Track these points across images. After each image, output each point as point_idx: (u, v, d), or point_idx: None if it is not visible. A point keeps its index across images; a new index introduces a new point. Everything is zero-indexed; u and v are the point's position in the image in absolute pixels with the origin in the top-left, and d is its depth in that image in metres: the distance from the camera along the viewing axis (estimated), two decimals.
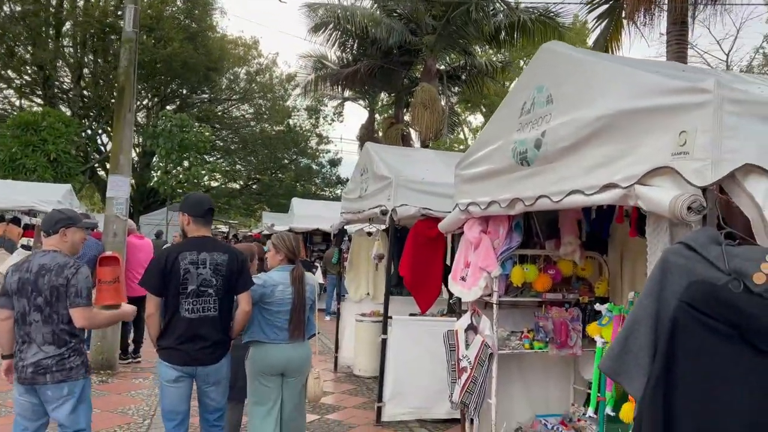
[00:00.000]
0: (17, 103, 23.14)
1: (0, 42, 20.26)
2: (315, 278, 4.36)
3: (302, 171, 30.33)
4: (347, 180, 32.15)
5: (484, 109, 29.29)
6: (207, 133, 18.83)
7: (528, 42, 19.77)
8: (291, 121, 29.66)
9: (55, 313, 3.24)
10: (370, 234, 8.03)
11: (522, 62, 27.58)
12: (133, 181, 28.49)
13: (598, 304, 3.50)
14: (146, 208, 25.20)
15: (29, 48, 20.05)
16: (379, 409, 5.54)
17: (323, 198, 27.09)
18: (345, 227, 7.97)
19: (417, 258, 5.56)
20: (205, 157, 22.69)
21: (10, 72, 21.84)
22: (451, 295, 5.55)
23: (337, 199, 29.57)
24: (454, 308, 4.45)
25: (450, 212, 4.40)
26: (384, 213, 5.65)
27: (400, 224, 7.23)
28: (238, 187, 31.23)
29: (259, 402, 3.76)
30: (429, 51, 18.17)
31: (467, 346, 3.89)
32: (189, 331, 3.47)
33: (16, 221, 12.38)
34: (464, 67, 20.16)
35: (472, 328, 3.90)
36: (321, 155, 31.77)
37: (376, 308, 7.69)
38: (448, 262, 4.39)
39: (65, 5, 20.17)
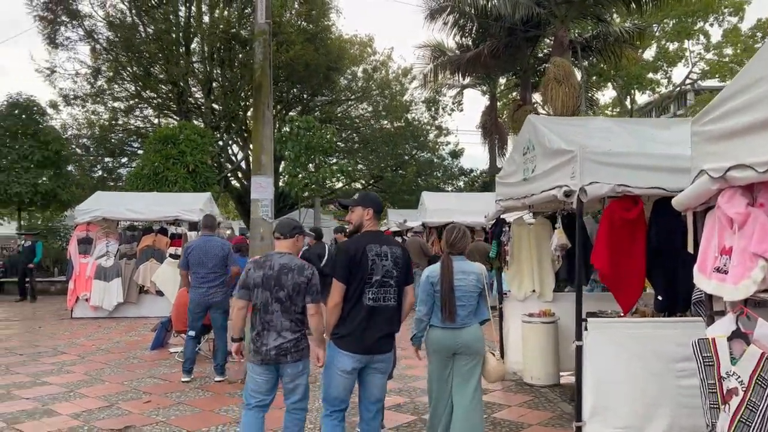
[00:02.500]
0: (156, 120, 24.56)
1: (138, 63, 21.48)
2: (480, 267, 4.30)
3: (423, 165, 29.70)
4: (470, 171, 31.49)
5: (615, 83, 26.96)
6: (329, 135, 18.68)
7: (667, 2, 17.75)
8: (409, 116, 29.15)
9: (294, 305, 3.84)
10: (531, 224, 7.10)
11: (656, 27, 25.07)
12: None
13: None
14: (278, 212, 25.76)
15: (163, 66, 21.05)
16: (579, 429, 4.62)
17: (443, 192, 26.23)
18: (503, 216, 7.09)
19: (614, 245, 4.59)
20: (329, 158, 22.73)
21: (148, 92, 23.19)
22: (666, 289, 4.53)
23: (460, 190, 28.80)
24: (699, 309, 3.43)
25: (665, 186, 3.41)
26: (568, 194, 4.72)
27: (570, 208, 6.29)
28: (360, 186, 31.25)
29: (435, 378, 4.16)
30: (560, 22, 16.75)
31: (733, 359, 2.90)
32: (370, 319, 3.67)
33: (163, 231, 12.77)
34: (597, 36, 18.42)
35: (739, 336, 2.90)
36: (441, 148, 30.99)
37: (544, 307, 6.78)
38: (690, 250, 3.36)
39: (193, 22, 20.96)
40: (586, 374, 4.62)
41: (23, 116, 18.53)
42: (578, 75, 17.67)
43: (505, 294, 7.14)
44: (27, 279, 14.95)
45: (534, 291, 6.93)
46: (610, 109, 31.40)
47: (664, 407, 4.48)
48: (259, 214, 6.76)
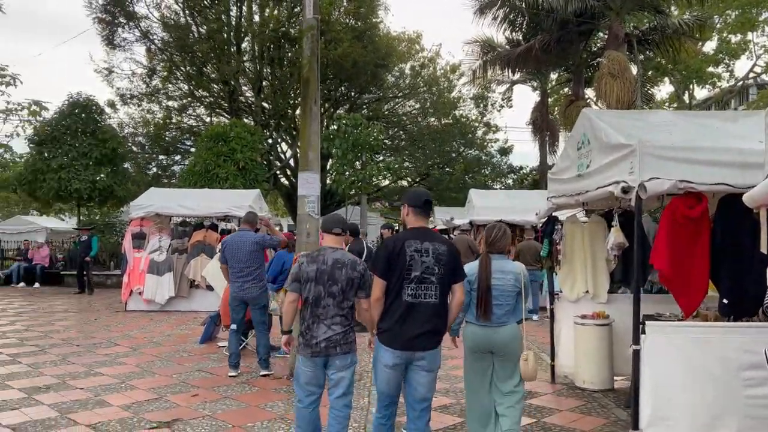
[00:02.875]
0: (208, 119, 25.07)
1: (191, 63, 21.95)
2: (520, 267, 4.26)
3: (471, 163, 29.34)
4: (520, 168, 30.92)
5: (673, 77, 25.93)
6: (376, 133, 18.64)
7: None
8: (457, 113, 28.84)
9: (346, 300, 3.92)
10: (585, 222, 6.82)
11: (717, 19, 23.94)
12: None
13: None
14: (324, 209, 25.91)
15: (215, 66, 21.44)
16: None
17: (492, 189, 25.81)
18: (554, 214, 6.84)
19: (676, 245, 4.33)
20: (376, 156, 22.72)
21: (200, 91, 23.68)
22: (732, 292, 4.25)
23: (509, 188, 28.29)
24: None
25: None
26: (626, 191, 4.48)
27: (627, 206, 6.02)
28: (406, 184, 31.13)
29: (470, 374, 4.18)
30: (615, 14, 16.20)
31: None
32: (409, 315, 3.67)
33: (214, 227, 13.00)
34: (655, 29, 17.72)
35: None
36: (489, 145, 30.54)
37: (598, 308, 6.50)
38: (763, 249, 3.12)
39: (243, 21, 21.28)
40: (644, 380, 4.37)
41: (83, 115, 19.20)
42: (634, 69, 17.04)
43: (556, 295, 6.89)
44: (84, 272, 15.46)
45: (587, 292, 6.65)
46: (667, 104, 30.24)
47: (730, 418, 4.20)
48: (306, 210, 6.73)
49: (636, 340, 4.43)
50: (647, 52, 19.66)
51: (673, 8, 20.48)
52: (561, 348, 6.80)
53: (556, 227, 6.56)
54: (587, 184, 5.38)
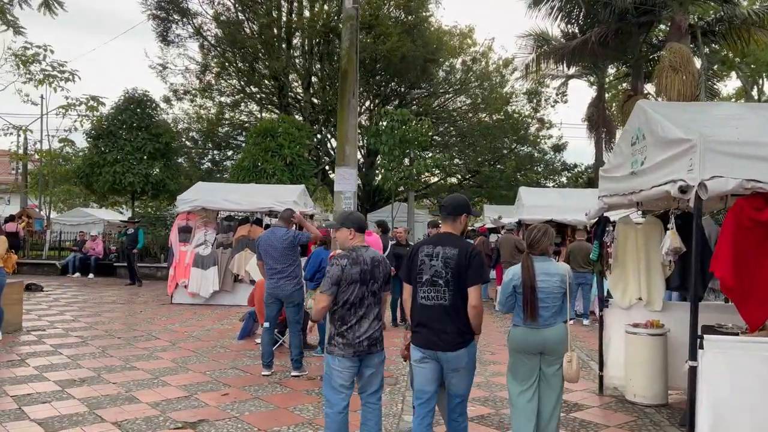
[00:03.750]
0: (259, 115, 25.35)
1: (242, 59, 22.20)
2: (565, 267, 4.21)
3: (523, 160, 28.61)
4: (574, 166, 29.91)
5: (740, 71, 24.50)
6: (425, 128, 18.26)
7: None
8: (509, 108, 28.15)
9: (380, 296, 4.08)
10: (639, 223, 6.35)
11: None
12: (359, 180, 29.71)
13: None
14: (372, 206, 25.82)
15: (265, 61, 21.60)
16: None
17: (544, 188, 25.03)
18: (606, 214, 6.39)
19: (741, 251, 3.87)
20: (425, 152, 22.40)
21: (252, 87, 23.95)
22: None
23: (563, 186, 27.40)
24: None
25: None
26: (684, 190, 4.05)
27: (686, 206, 5.55)
28: (455, 181, 30.65)
29: (515, 377, 4.14)
30: (678, 4, 15.32)
31: None
32: (425, 316, 3.81)
33: (258, 222, 13.00)
34: (721, 19, 16.68)
35: None
36: (543, 141, 29.71)
37: (651, 317, 6.03)
38: None
39: (294, 17, 21.34)
40: (701, 399, 3.95)
41: (138, 110, 19.66)
42: (697, 63, 16.09)
43: (607, 300, 6.44)
44: (132, 265, 15.78)
45: (640, 299, 6.18)
46: (734, 100, 28.65)
47: None
48: (342, 207, 6.54)
49: (693, 356, 4.00)
50: (713, 45, 18.56)
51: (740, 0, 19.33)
52: (610, 358, 6.34)
53: (607, 228, 6.12)
54: (641, 183, 4.95)
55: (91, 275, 17.56)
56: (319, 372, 6.69)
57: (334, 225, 4.32)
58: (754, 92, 26.10)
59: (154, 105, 20.44)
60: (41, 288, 14.09)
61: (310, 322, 7.53)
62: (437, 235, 4.05)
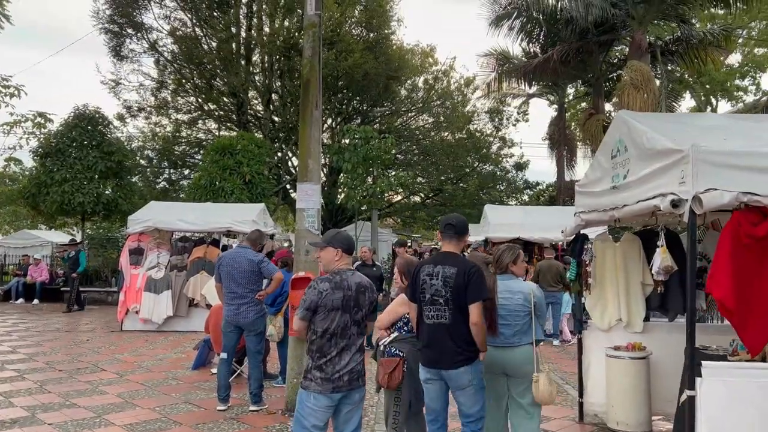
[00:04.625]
0: (217, 133, 24.65)
1: (200, 75, 21.57)
2: (530, 287, 4.27)
3: (486, 178, 28.63)
4: (536, 184, 30.06)
5: (694, 91, 25.11)
6: (388, 146, 17.91)
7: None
8: (471, 127, 28.19)
9: (365, 325, 3.67)
10: (618, 239, 6.07)
11: (741, 31, 23.15)
12: (321, 200, 29.24)
13: None
14: (335, 225, 25.30)
15: (224, 78, 21.02)
16: None
17: (510, 206, 25.01)
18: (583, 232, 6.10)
19: (739, 270, 3.58)
20: (389, 171, 22.10)
21: (210, 104, 23.29)
22: None
23: (525, 204, 27.48)
24: None
25: None
26: (675, 204, 3.76)
27: (667, 222, 5.31)
28: (418, 199, 30.47)
29: (488, 397, 4.07)
30: (637, 23, 15.51)
31: None
32: (429, 335, 3.86)
33: (215, 243, 12.36)
34: (679, 39, 16.99)
35: None
36: (504, 160, 29.80)
37: (632, 339, 5.74)
38: None
39: (253, 33, 20.87)
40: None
41: (89, 127, 18.77)
42: (658, 81, 16.30)
43: (585, 322, 6.13)
44: (71, 289, 14.89)
45: (620, 320, 5.90)
46: None
47: None
48: (305, 226, 6.07)
49: (690, 384, 3.68)
50: (670, 65, 18.90)
51: (694, 21, 19.79)
52: (590, 383, 6.01)
53: (585, 246, 5.82)
54: (624, 198, 4.67)
55: (35, 301, 16.50)
56: (279, 405, 6.17)
57: (319, 244, 3.82)
58: (707, 112, 26.78)
59: (106, 122, 19.53)
60: None
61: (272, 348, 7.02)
62: (439, 254, 4.08)
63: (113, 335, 11.02)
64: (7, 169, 21.85)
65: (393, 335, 4.18)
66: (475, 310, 3.73)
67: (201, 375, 7.75)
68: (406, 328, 4.18)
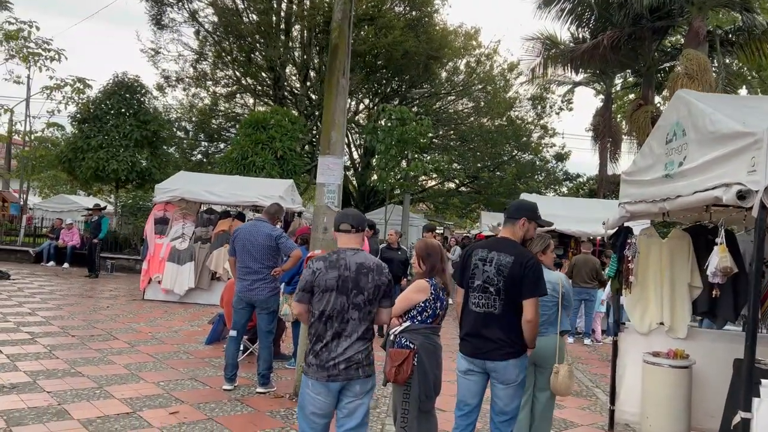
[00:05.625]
0: (254, 108, 24.46)
1: (239, 49, 21.32)
2: (559, 276, 4.38)
3: (524, 167, 27.78)
4: (577, 176, 29.08)
5: (751, 87, 23.75)
6: (424, 128, 17.31)
7: None
8: (512, 114, 27.33)
9: (370, 312, 3.31)
10: (665, 235, 5.51)
11: None
12: (354, 181, 28.81)
13: None
14: (367, 207, 24.95)
15: (263, 52, 20.73)
16: None
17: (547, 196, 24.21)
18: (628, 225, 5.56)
19: None
20: (424, 155, 21.57)
21: (248, 79, 23.06)
22: None
23: (564, 196, 26.59)
24: None
25: None
26: (742, 196, 3.24)
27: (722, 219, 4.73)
28: (453, 186, 29.83)
29: None
30: (697, 9, 14.55)
31: None
32: (475, 324, 3.63)
33: (241, 217, 12.12)
34: (741, 29, 15.92)
35: None
36: (545, 149, 28.88)
37: (674, 345, 5.21)
38: None
39: (294, 6, 20.48)
40: None
41: (127, 95, 18.79)
42: (715, 72, 15.32)
43: (623, 324, 5.62)
44: (92, 255, 14.89)
45: (661, 323, 5.37)
46: None
47: None
48: (324, 201, 5.69)
49: (746, 405, 3.18)
50: (728, 57, 17.81)
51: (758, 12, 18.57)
52: (624, 390, 5.51)
53: (629, 240, 5.29)
54: (678, 188, 4.14)
55: (66, 265, 16.64)
56: (287, 389, 5.86)
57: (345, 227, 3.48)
58: None
59: (144, 91, 19.53)
60: (8, 276, 13.19)
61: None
62: (494, 239, 3.86)
63: (134, 304, 10.92)
64: (48, 133, 21.98)
65: (405, 324, 3.76)
66: (530, 307, 3.50)
67: (213, 351, 7.50)
68: (419, 317, 3.76)
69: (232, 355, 5.80)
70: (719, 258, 3.76)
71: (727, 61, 17.74)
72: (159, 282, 11.43)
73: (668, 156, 4.43)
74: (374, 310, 3.32)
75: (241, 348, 7.14)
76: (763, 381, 3.19)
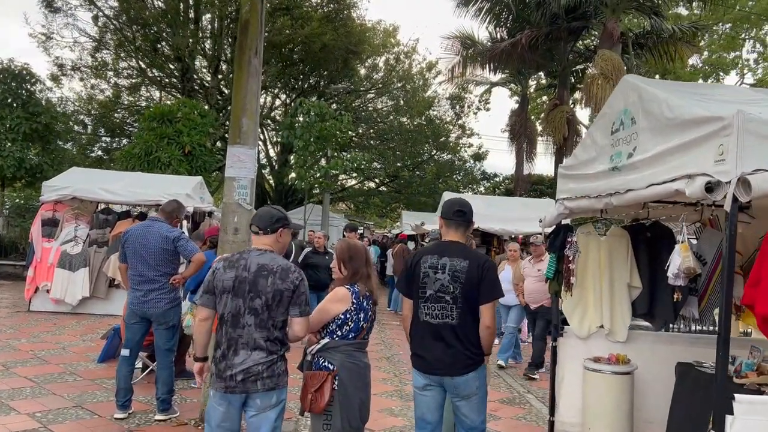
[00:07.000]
0: (160, 102, 22.94)
1: (144, 38, 19.85)
2: None
3: (443, 167, 27.85)
4: (494, 175, 29.51)
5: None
6: (344, 124, 16.70)
7: None
8: (431, 113, 27.31)
9: (272, 318, 3.02)
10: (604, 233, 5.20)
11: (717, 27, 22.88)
12: (271, 179, 27.77)
13: None
14: (285, 207, 23.87)
15: (169, 41, 19.38)
16: None
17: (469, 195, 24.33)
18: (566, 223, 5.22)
19: None
20: (344, 153, 20.96)
21: (153, 70, 21.56)
22: None
23: (485, 194, 26.87)
24: None
25: None
26: (711, 189, 2.87)
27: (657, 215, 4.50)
28: (373, 185, 29.49)
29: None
30: (611, 12, 14.85)
31: None
32: (428, 336, 3.41)
33: (142, 217, 11.01)
34: (650, 32, 16.47)
35: None
36: (463, 149, 29.10)
37: (615, 349, 4.91)
38: None
39: None
40: None
41: (13, 84, 17.00)
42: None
43: (562, 329, 5.27)
44: None
45: (601, 327, 5.06)
46: None
47: None
48: (234, 198, 4.97)
49: (719, 425, 2.80)
50: (638, 59, 18.44)
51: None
52: (563, 397, 5.15)
53: (569, 239, 4.93)
54: (628, 181, 3.77)
55: None
56: (193, 414, 5.10)
57: (298, 226, 2.95)
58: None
59: (34, 80, 17.72)
60: None
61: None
62: (442, 243, 3.53)
63: (17, 316, 9.62)
64: None
65: (323, 341, 3.16)
66: (488, 312, 3.34)
67: (107, 370, 6.54)
68: (339, 332, 3.15)
69: (124, 378, 4.95)
70: (682, 258, 3.41)
71: (636, 63, 18.33)
72: (48, 291, 10.16)
73: (614, 147, 4.08)
74: (279, 319, 3.02)
75: (140, 366, 6.31)
76: (737, 396, 2.84)
